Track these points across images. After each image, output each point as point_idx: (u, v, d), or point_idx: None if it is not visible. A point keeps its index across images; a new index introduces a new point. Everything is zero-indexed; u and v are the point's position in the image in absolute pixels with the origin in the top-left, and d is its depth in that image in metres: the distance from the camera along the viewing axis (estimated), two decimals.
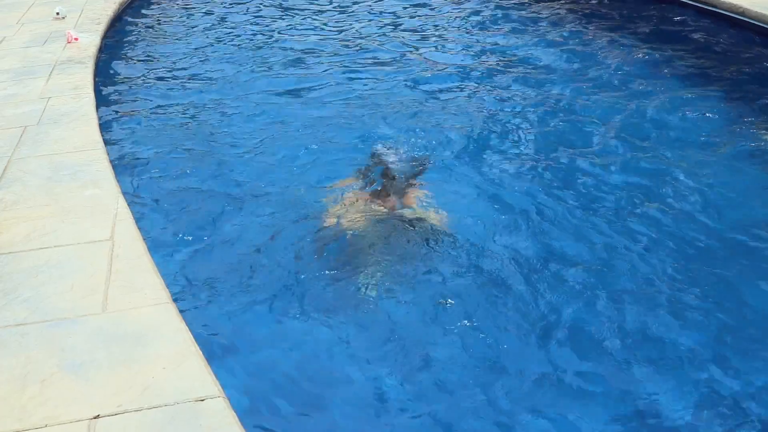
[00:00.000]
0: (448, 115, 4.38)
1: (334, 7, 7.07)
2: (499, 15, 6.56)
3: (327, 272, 2.70)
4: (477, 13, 6.73)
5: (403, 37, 6.10)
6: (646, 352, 2.29)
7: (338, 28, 6.36)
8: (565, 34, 5.90)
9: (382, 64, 5.37)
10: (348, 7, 7.03)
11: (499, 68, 5.27)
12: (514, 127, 4.23)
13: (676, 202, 3.18)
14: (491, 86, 4.94)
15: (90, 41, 5.34)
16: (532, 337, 2.37)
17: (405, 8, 6.91)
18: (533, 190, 3.39)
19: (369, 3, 7.06)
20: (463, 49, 5.80)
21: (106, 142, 3.52)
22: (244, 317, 2.45)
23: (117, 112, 4.53)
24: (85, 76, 4.51)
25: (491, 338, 2.35)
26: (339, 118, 4.30)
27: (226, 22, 6.78)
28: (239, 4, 7.31)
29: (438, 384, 2.17)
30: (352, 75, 5.13)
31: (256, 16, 6.87)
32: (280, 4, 7.18)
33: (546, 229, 3.03)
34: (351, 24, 6.49)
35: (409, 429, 2.04)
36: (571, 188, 3.41)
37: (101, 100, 4.40)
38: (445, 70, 5.28)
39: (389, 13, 6.78)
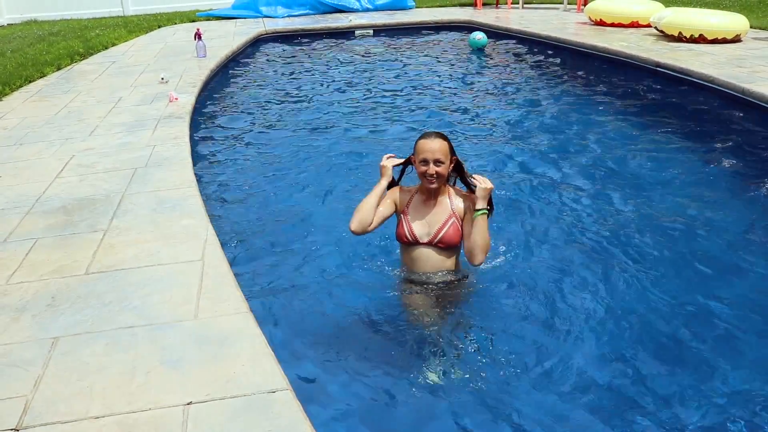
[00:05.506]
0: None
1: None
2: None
3: (396, 315, 2.62)
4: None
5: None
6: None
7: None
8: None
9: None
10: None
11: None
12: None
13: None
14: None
15: (187, 100, 5.86)
16: None
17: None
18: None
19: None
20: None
21: (199, 182, 3.84)
22: (310, 330, 2.61)
23: (207, 157, 4.95)
24: (182, 128, 4.94)
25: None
26: None
27: (294, 85, 7.30)
28: (306, 72, 7.88)
29: None
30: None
31: (319, 84, 7.35)
32: (343, 79, 7.54)
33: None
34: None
35: None
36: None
37: (195, 148, 4.80)
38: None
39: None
